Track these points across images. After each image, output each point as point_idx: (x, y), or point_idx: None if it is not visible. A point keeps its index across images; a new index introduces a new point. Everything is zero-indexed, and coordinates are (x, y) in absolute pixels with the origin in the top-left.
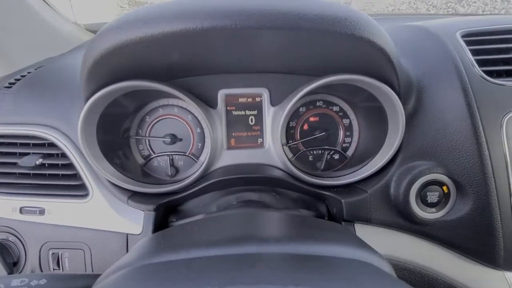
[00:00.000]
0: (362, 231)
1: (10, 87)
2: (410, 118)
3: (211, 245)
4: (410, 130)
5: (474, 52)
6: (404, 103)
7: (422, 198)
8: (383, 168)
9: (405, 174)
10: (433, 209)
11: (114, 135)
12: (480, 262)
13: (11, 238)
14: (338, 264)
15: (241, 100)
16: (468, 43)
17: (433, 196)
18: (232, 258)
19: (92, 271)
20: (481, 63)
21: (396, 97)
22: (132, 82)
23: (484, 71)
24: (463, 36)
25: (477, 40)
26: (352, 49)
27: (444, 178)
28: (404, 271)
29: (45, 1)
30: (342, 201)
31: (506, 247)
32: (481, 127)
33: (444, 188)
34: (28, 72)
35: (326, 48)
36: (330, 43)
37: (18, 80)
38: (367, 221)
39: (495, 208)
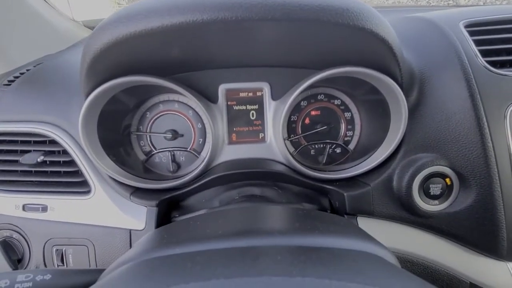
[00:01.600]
0: (365, 224)
1: (9, 85)
2: (413, 110)
3: (215, 239)
4: (413, 122)
5: (478, 43)
6: (407, 95)
7: (425, 191)
8: (385, 161)
9: (407, 166)
10: (436, 201)
11: (115, 132)
12: (483, 253)
13: (15, 235)
14: (343, 255)
15: (242, 94)
16: (472, 33)
17: (436, 188)
18: (237, 251)
19: (96, 267)
20: (484, 53)
21: (399, 89)
22: (132, 77)
23: (488, 62)
24: (466, 27)
25: (480, 30)
26: (354, 40)
27: (447, 170)
28: (407, 263)
29: None
30: (345, 194)
31: (509, 238)
32: (484, 118)
33: (447, 180)
34: (27, 70)
35: (327, 40)
36: (331, 34)
37: (17, 77)
38: (370, 214)
39: (498, 199)
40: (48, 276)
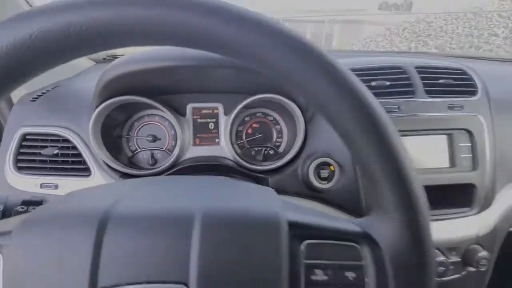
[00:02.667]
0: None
1: (35, 101)
2: (310, 122)
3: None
4: (310, 131)
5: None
6: (305, 112)
7: (318, 174)
8: (295, 157)
9: (307, 159)
10: (325, 182)
11: (111, 135)
12: (354, 216)
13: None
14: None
15: (203, 111)
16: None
17: (324, 172)
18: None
19: None
20: None
21: (297, 108)
22: (128, 97)
23: None
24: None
25: (357, 74)
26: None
27: (331, 161)
28: None
29: None
30: (269, 178)
31: (366, 202)
32: None
33: (331, 167)
34: (47, 90)
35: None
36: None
37: (40, 95)
38: (286, 192)
39: (358, 180)
40: None
